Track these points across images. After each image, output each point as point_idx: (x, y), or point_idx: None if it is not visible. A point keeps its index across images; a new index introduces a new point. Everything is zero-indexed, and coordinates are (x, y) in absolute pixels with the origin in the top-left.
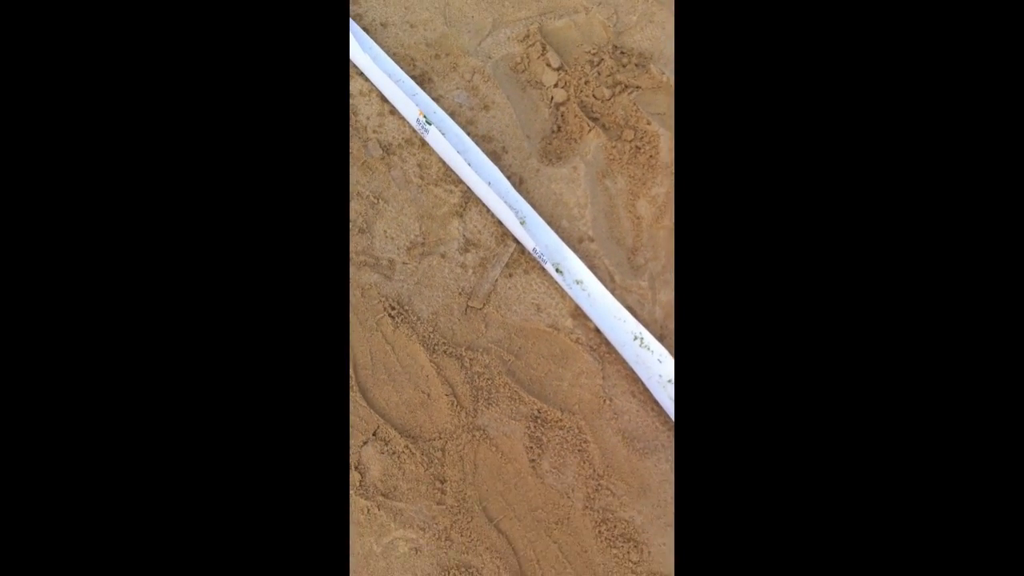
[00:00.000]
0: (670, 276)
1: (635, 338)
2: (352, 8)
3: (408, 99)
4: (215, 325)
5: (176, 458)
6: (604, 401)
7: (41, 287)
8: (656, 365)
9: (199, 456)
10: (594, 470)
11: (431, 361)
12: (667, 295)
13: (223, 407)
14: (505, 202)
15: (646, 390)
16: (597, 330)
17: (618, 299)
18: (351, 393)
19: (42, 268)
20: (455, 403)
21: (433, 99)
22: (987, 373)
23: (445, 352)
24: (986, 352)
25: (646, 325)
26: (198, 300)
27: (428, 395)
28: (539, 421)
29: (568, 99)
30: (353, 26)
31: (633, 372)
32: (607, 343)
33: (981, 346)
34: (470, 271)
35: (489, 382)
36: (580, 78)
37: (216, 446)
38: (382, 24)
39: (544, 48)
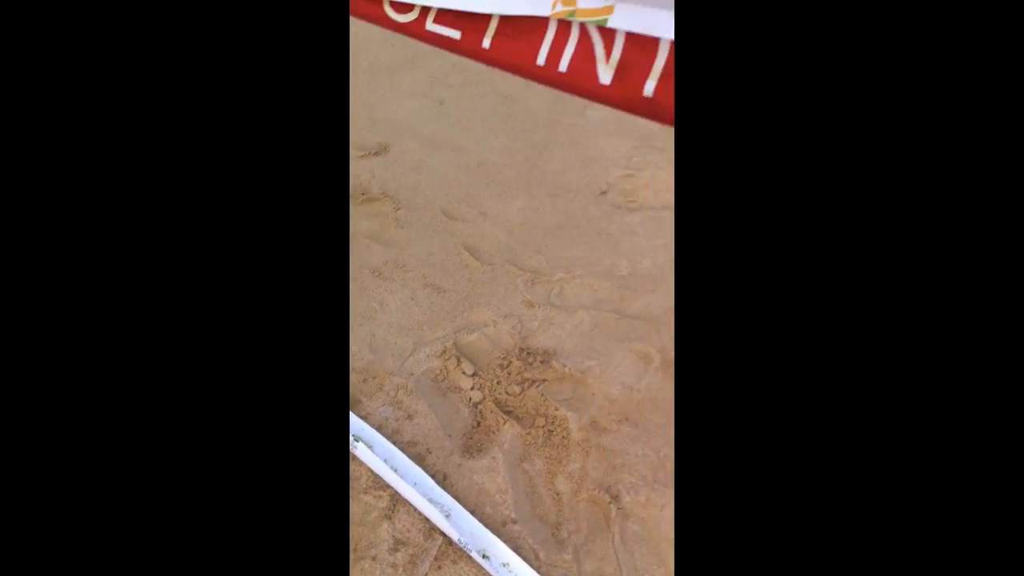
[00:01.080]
0: (592, 546)
1: None
2: None
3: None
4: None
5: None
6: None
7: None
8: None
9: None
10: None
11: None
12: (591, 565)
13: None
14: (429, 500)
15: None
16: None
17: None
18: None
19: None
20: None
21: (361, 418)
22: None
23: None
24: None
25: None
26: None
27: None
28: None
29: (484, 398)
30: None
31: None
32: None
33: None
34: (400, 570)
35: None
36: (493, 379)
37: None
38: None
39: (459, 359)
